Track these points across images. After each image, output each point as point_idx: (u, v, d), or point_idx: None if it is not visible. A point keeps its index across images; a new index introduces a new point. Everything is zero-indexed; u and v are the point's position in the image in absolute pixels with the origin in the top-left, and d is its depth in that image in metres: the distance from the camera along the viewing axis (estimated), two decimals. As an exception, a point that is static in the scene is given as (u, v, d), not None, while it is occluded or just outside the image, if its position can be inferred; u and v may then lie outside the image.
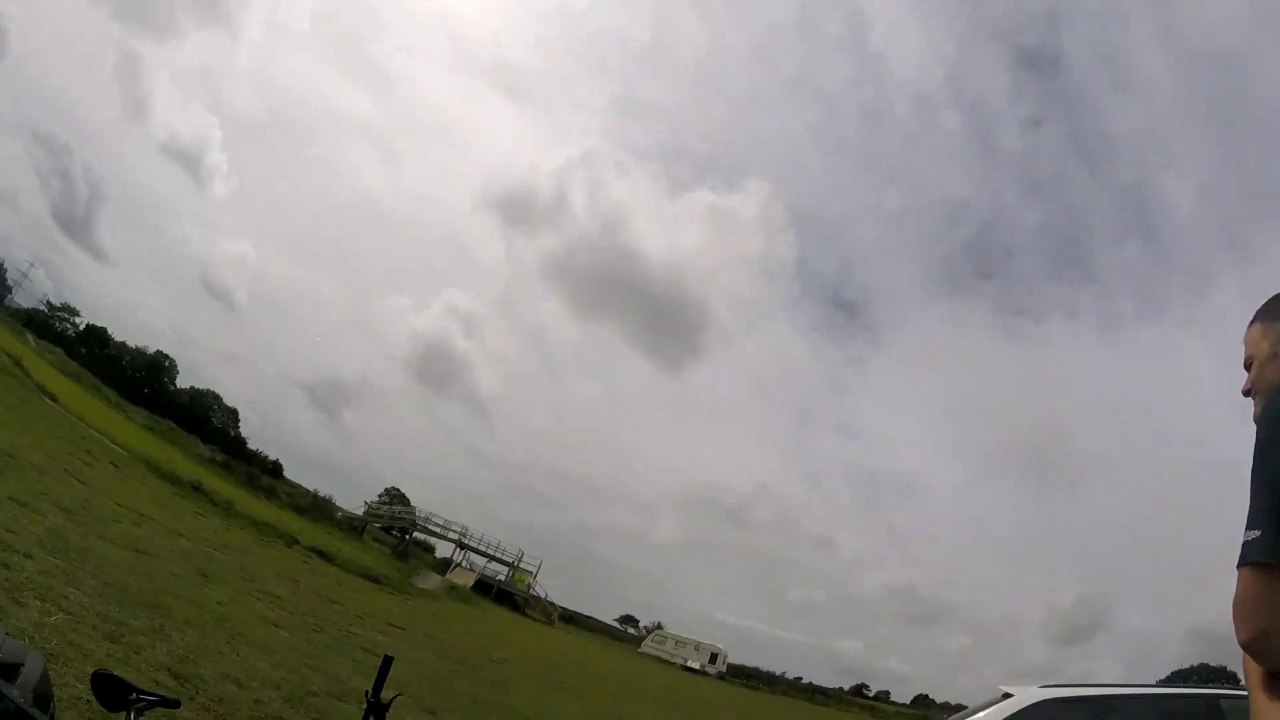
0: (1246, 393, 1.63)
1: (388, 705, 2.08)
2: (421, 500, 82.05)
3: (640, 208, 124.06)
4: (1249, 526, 1.32)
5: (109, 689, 1.69)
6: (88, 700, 3.08)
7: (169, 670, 4.63)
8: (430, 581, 31.35)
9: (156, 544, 8.61)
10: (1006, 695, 6.92)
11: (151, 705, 1.74)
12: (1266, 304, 1.64)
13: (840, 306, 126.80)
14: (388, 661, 2.15)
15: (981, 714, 6.81)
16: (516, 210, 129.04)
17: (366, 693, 2.09)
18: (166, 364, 55.29)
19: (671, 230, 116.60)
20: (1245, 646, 1.30)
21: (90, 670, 2.20)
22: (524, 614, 46.19)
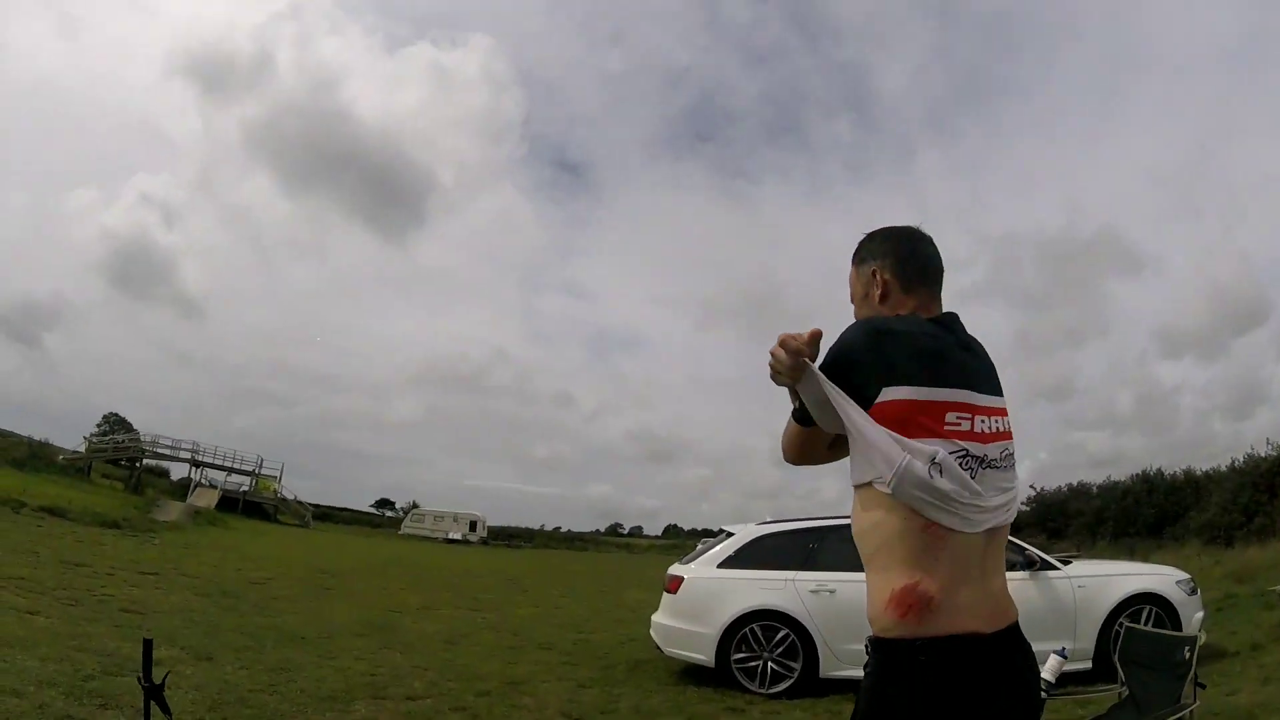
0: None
1: (162, 684, 2.08)
2: (146, 423, 75.28)
3: (354, 66, 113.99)
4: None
5: None
6: None
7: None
8: (171, 511, 29.91)
9: None
10: (728, 534, 8.47)
11: None
12: (858, 246, 1.77)
13: (565, 168, 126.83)
14: (148, 645, 2.11)
15: (709, 553, 8.09)
16: (214, 76, 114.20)
17: (139, 678, 2.08)
18: None
19: (390, 90, 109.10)
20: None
21: None
22: (277, 521, 45.22)
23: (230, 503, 42.97)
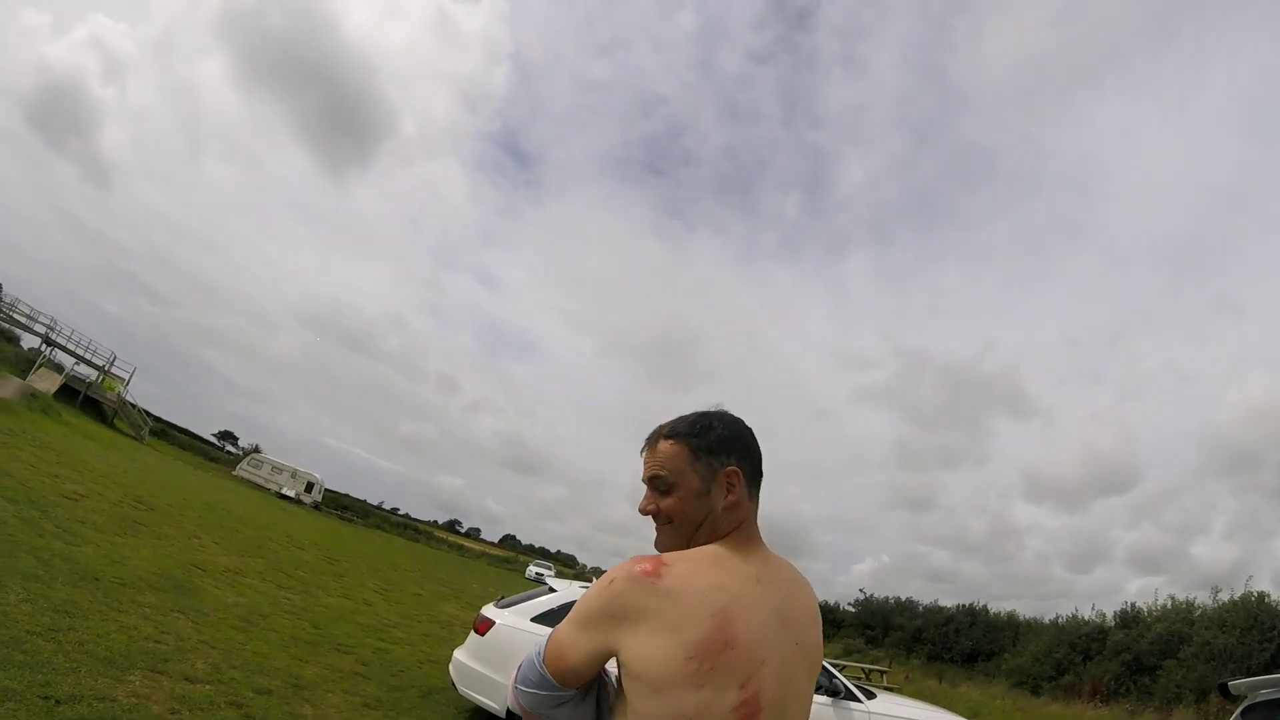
0: (645, 512, 1.48)
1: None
2: (10, 278, 70.17)
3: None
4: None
5: None
6: None
7: None
8: (9, 387, 28.02)
9: None
10: (551, 590, 8.57)
11: None
12: (692, 427, 1.48)
13: (515, 155, 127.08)
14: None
15: (526, 604, 8.22)
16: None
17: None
18: None
19: (388, 15, 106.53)
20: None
21: None
22: (112, 426, 42.95)
23: (71, 393, 40.63)
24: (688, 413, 1.52)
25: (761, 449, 1.52)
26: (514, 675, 1.47)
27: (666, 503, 1.45)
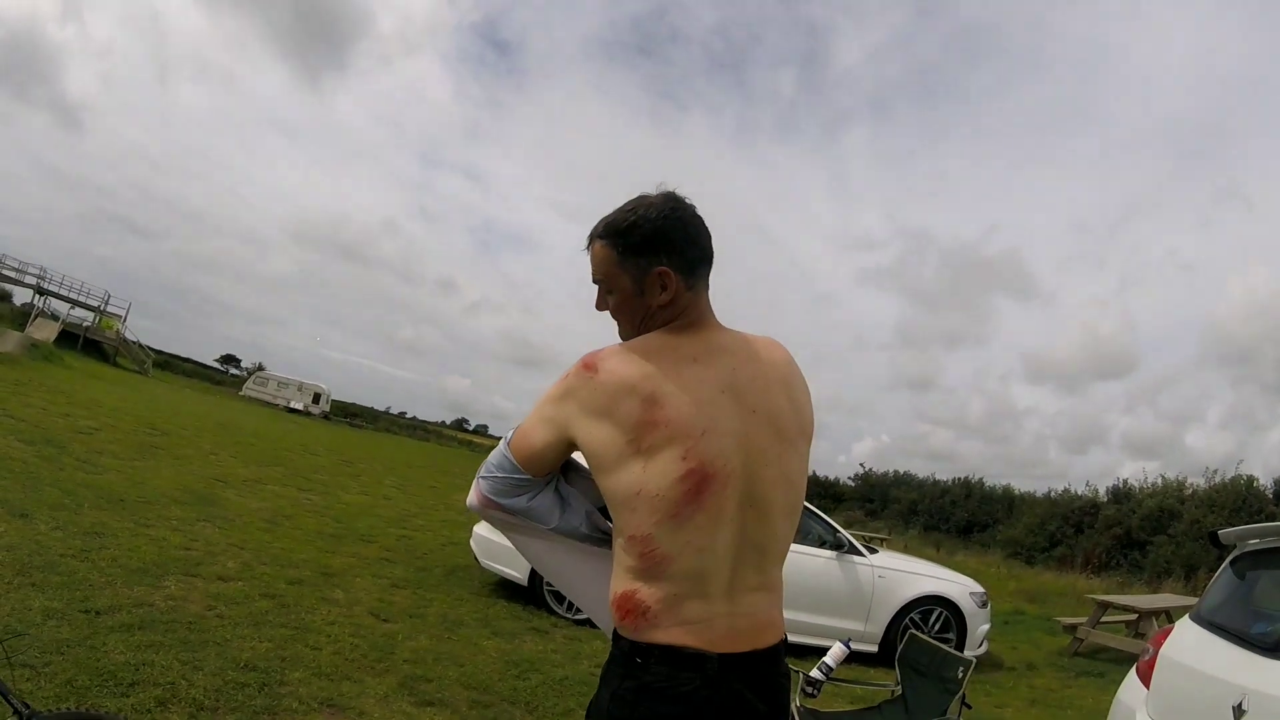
0: (600, 309, 1.55)
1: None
2: (-8, 234, 69.05)
3: None
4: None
5: None
6: None
7: None
8: (8, 342, 28.16)
9: None
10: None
11: None
12: (618, 226, 1.46)
13: (495, 45, 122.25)
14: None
15: None
16: None
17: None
18: None
19: None
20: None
21: None
22: (115, 364, 43.26)
23: (70, 338, 40.78)
24: (625, 202, 1.49)
25: (706, 231, 1.48)
26: (480, 470, 1.55)
27: (610, 303, 1.51)
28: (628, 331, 1.51)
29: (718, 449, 1.33)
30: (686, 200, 1.48)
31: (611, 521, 1.42)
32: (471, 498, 1.54)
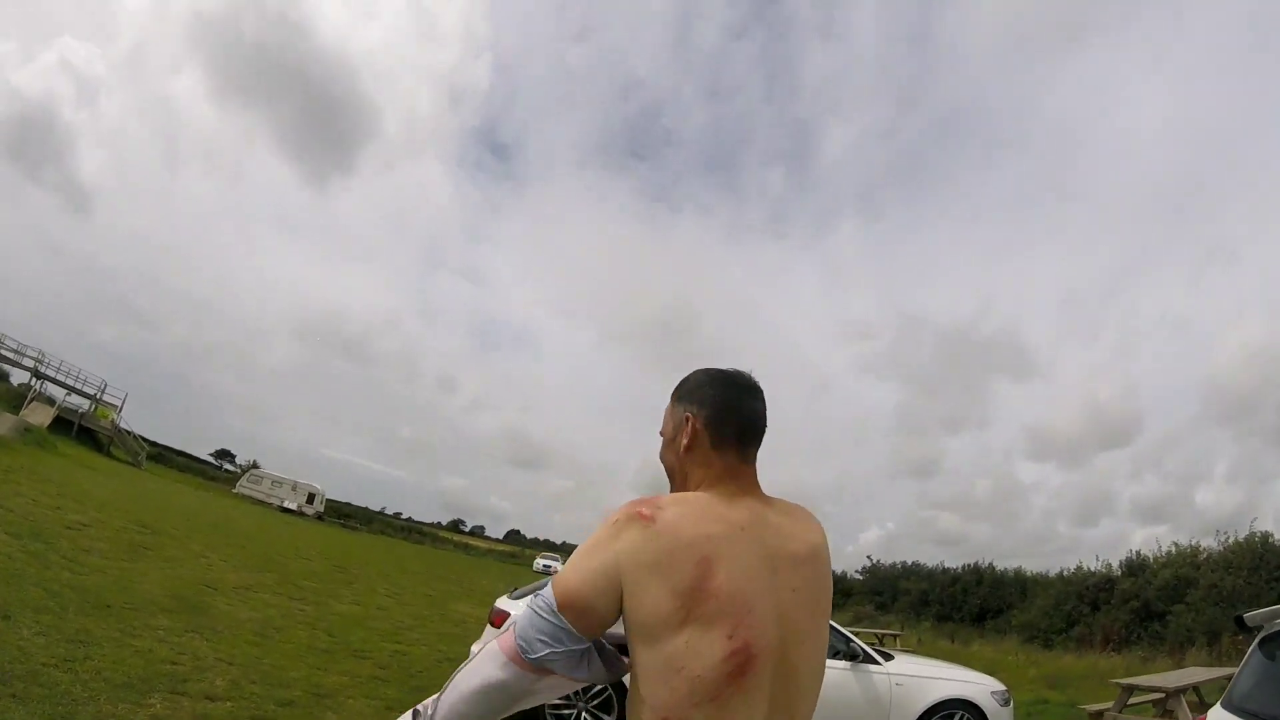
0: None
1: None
2: (-7, 312, 69.59)
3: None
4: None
5: None
6: None
7: None
8: (3, 424, 28.06)
9: None
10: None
11: None
12: (679, 385, 1.56)
13: (494, 149, 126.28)
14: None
15: (533, 588, 8.52)
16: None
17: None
18: None
19: (363, 12, 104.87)
20: None
21: None
22: (109, 454, 42.82)
23: (65, 425, 40.54)
24: None
25: (753, 403, 1.51)
26: (494, 644, 1.41)
27: (660, 449, 1.57)
28: (672, 486, 1.53)
29: (760, 628, 1.30)
30: (750, 376, 1.55)
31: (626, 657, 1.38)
32: (505, 654, 1.36)
